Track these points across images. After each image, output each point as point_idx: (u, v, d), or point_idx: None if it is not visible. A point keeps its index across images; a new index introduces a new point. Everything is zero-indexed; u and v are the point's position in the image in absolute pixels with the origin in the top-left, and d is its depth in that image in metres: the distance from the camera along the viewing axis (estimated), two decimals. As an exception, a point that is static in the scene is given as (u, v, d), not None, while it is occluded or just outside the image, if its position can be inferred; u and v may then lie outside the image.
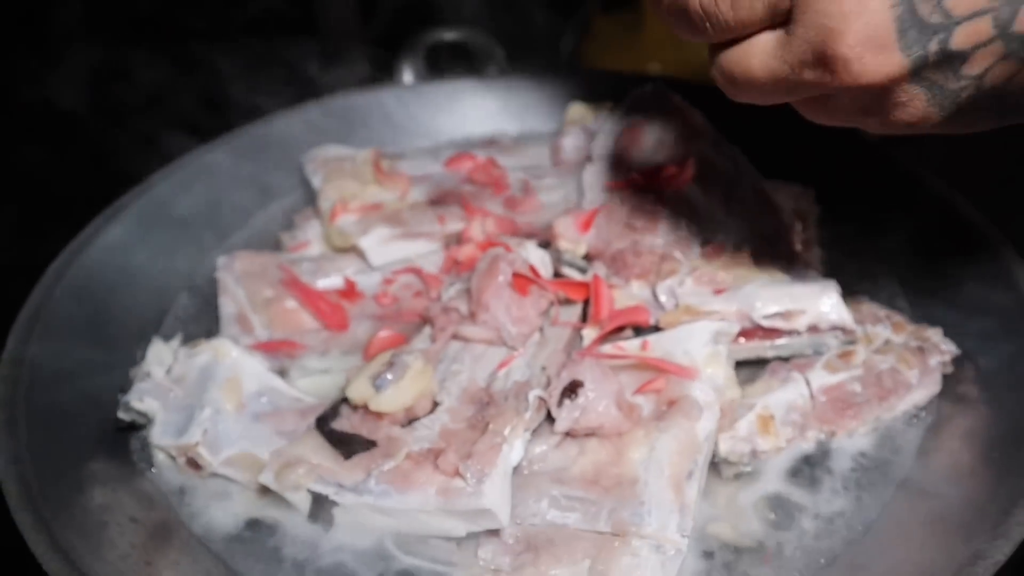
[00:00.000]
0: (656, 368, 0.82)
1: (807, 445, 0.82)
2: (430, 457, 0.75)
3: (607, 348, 0.85)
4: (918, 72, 0.58)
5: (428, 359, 0.83)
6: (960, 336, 0.87)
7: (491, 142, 1.21)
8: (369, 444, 0.78)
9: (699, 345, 0.83)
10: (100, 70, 1.15)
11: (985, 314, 0.88)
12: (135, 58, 1.18)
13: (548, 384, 0.81)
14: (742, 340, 0.88)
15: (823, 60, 0.60)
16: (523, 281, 0.87)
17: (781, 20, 0.63)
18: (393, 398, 0.79)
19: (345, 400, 0.81)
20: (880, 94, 0.60)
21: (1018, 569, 0.67)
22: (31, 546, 0.67)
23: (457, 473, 0.73)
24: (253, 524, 0.78)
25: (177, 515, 0.79)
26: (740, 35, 0.65)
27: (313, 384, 0.90)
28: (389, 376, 0.80)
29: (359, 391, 0.79)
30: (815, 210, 1.04)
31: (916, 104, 0.61)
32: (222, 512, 0.79)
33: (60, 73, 1.12)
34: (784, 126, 1.11)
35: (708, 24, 0.65)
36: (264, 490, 0.79)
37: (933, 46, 0.57)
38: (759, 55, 0.64)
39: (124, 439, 0.84)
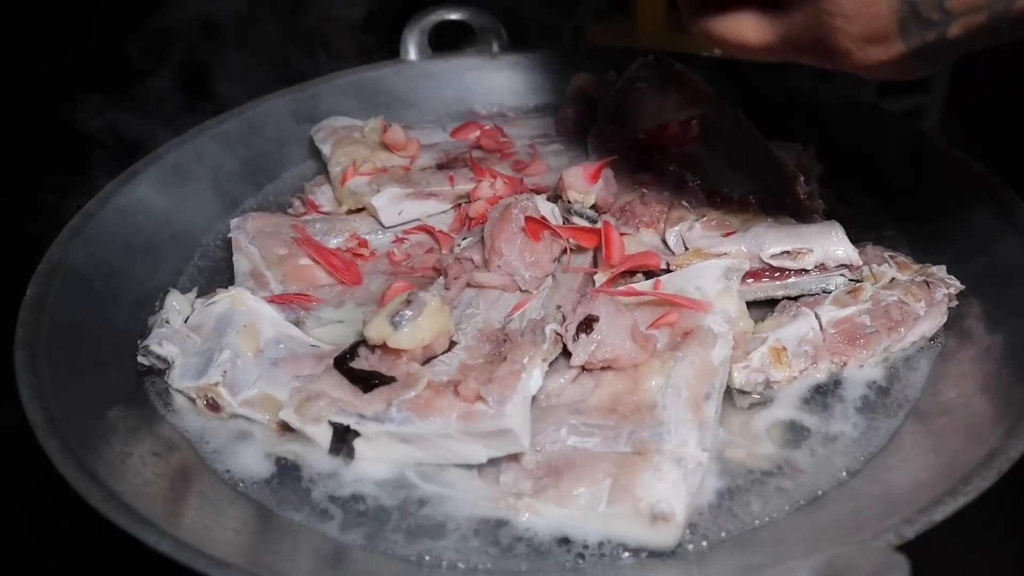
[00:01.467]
0: (669, 303, 0.83)
1: (819, 375, 0.83)
2: (450, 386, 0.76)
3: (621, 288, 0.86)
4: (915, 54, 0.61)
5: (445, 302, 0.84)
6: (963, 275, 0.89)
7: (496, 115, 1.24)
8: (388, 379, 0.78)
9: (711, 281, 0.85)
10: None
11: (986, 254, 0.91)
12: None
13: (564, 320, 0.82)
14: (751, 282, 0.90)
15: (823, 47, 0.62)
16: (536, 226, 0.89)
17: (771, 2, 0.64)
18: (411, 335, 0.79)
19: (363, 342, 0.82)
20: (876, 65, 0.63)
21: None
22: (59, 468, 0.67)
23: (478, 398, 0.74)
24: (274, 461, 0.79)
25: (198, 454, 0.79)
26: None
27: (328, 333, 0.91)
28: (408, 313, 0.80)
29: (377, 329, 0.80)
30: (817, 166, 1.07)
31: (908, 67, 0.63)
32: (243, 451, 0.80)
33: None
34: (785, 92, 1.15)
35: None
36: (284, 430, 0.80)
37: (931, 36, 0.59)
38: (752, 29, 0.66)
39: (143, 385, 0.85)
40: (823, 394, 0.82)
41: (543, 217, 0.91)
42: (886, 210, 1.03)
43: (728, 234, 0.91)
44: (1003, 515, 0.81)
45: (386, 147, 1.10)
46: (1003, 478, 0.64)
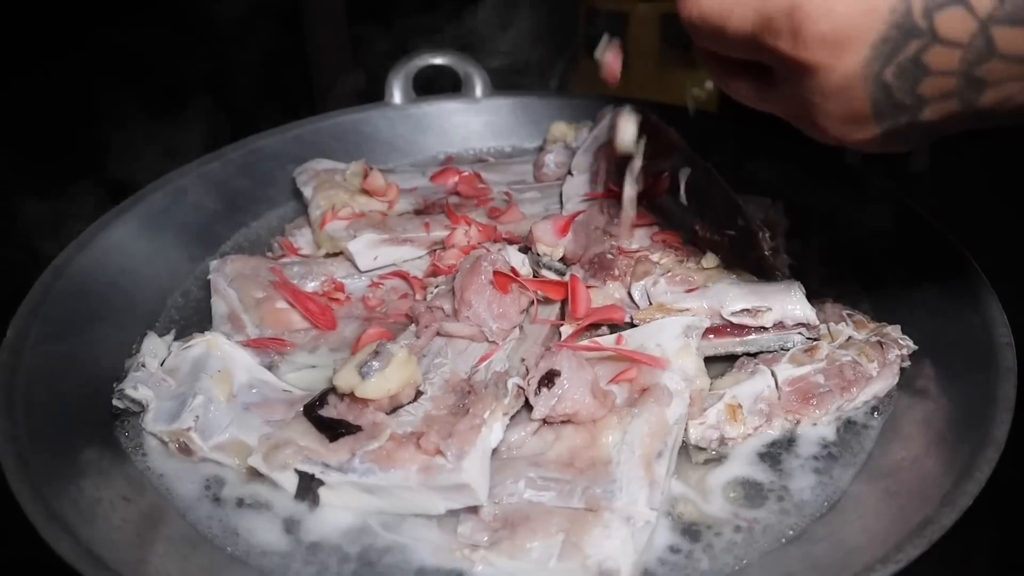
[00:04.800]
0: (629, 359, 0.86)
1: (773, 432, 0.86)
2: (412, 439, 0.78)
3: (584, 342, 0.89)
4: (889, 135, 0.64)
5: (413, 352, 0.87)
6: (919, 335, 0.91)
7: (476, 160, 1.27)
8: (354, 429, 0.81)
9: (671, 338, 0.87)
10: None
11: (941, 315, 0.93)
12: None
13: (527, 374, 0.85)
14: (712, 337, 0.92)
15: (805, 121, 0.67)
16: (504, 279, 0.91)
17: (761, 69, 0.68)
18: (378, 385, 0.82)
19: (332, 389, 0.85)
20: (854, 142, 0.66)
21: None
22: (29, 516, 0.70)
23: (438, 452, 0.76)
24: (240, 505, 0.81)
25: (167, 497, 0.81)
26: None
27: (301, 378, 0.94)
28: (375, 364, 0.83)
29: (346, 379, 0.83)
30: (784, 221, 1.09)
31: (885, 145, 0.66)
32: (212, 495, 0.82)
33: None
34: (758, 146, 1.19)
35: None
36: (252, 475, 0.83)
37: (903, 120, 0.62)
38: (749, 90, 0.71)
39: (117, 427, 0.87)
40: (777, 451, 0.84)
41: (513, 269, 0.94)
42: (851, 265, 1.06)
43: (691, 290, 0.94)
44: (980, 553, 0.84)
45: (366, 192, 1.13)
46: (982, 515, 0.67)
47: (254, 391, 0.89)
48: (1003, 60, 0.56)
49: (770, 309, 0.91)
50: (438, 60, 1.31)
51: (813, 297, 0.95)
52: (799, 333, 0.92)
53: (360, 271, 1.06)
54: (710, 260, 0.97)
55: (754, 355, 0.92)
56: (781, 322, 0.91)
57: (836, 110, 0.63)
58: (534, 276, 0.97)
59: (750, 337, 0.92)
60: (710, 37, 0.68)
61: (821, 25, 0.58)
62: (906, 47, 0.57)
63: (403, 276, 1.05)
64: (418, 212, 1.12)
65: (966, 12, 0.55)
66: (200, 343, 0.91)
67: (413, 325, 0.94)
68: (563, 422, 0.83)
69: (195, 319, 1.03)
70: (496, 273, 0.91)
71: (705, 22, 0.66)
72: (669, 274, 0.95)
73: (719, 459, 0.84)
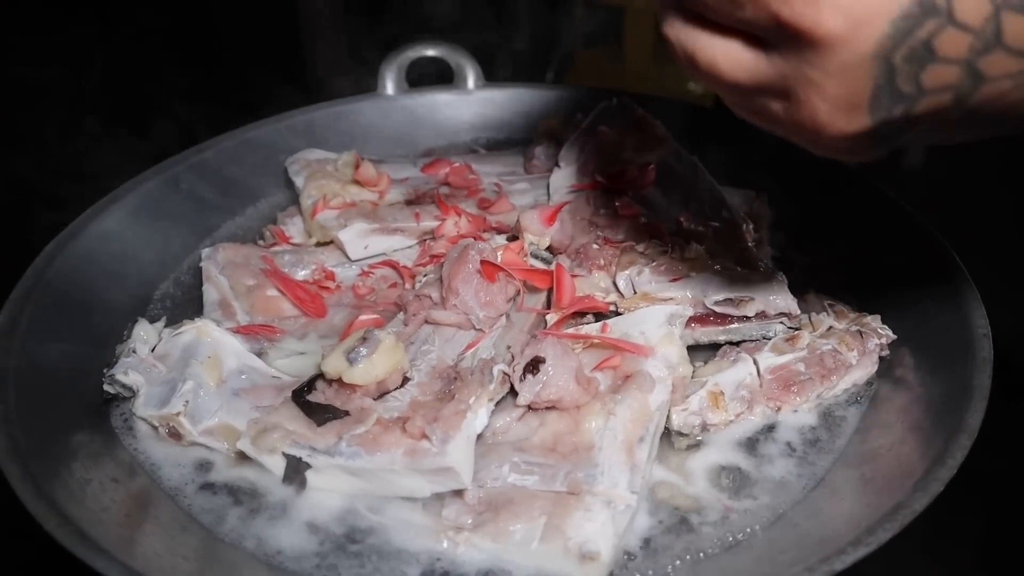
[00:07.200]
0: (613, 347, 0.87)
1: (755, 419, 0.87)
2: (399, 423, 0.80)
3: (569, 330, 0.90)
4: (876, 129, 0.61)
5: (400, 339, 0.88)
6: (898, 325, 0.93)
7: (468, 151, 1.28)
8: (341, 413, 0.82)
9: (654, 326, 0.89)
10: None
11: (921, 306, 0.94)
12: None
13: (512, 361, 0.86)
14: (696, 326, 0.94)
15: (790, 97, 0.61)
16: (491, 268, 0.93)
17: (758, 36, 0.62)
18: (366, 371, 0.83)
19: (320, 375, 0.86)
20: (835, 134, 0.61)
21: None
22: (19, 494, 0.71)
23: (423, 436, 0.77)
24: (229, 488, 0.82)
25: (157, 480, 0.83)
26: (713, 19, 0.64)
27: (290, 364, 0.95)
28: (363, 350, 0.84)
29: (334, 364, 0.84)
30: (768, 213, 1.11)
31: (862, 144, 0.63)
32: (201, 478, 0.83)
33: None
34: (743, 139, 1.19)
35: None
36: (241, 459, 0.84)
37: (897, 111, 0.59)
38: (728, 58, 0.64)
39: (108, 411, 0.89)
40: (757, 438, 0.86)
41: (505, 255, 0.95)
42: (834, 257, 1.07)
43: (675, 279, 0.95)
44: (966, 545, 0.85)
45: (357, 182, 1.14)
46: (969, 507, 0.68)
47: (243, 376, 0.90)
48: (1006, 52, 0.55)
49: (753, 299, 0.92)
50: (431, 51, 1.32)
51: (796, 288, 0.96)
52: (781, 322, 0.93)
53: (350, 260, 1.07)
54: (694, 251, 0.98)
55: (736, 344, 0.93)
56: (763, 312, 0.93)
57: (835, 91, 0.59)
58: (521, 265, 0.98)
59: (733, 326, 0.93)
60: None
61: None
62: (922, 26, 0.55)
63: (393, 265, 1.06)
64: (409, 202, 1.13)
65: None
66: (190, 329, 0.93)
67: (401, 314, 0.95)
68: (547, 408, 0.84)
69: (186, 306, 1.04)
70: (483, 262, 0.92)
71: None
72: (654, 264, 0.97)
73: (700, 445, 0.85)
